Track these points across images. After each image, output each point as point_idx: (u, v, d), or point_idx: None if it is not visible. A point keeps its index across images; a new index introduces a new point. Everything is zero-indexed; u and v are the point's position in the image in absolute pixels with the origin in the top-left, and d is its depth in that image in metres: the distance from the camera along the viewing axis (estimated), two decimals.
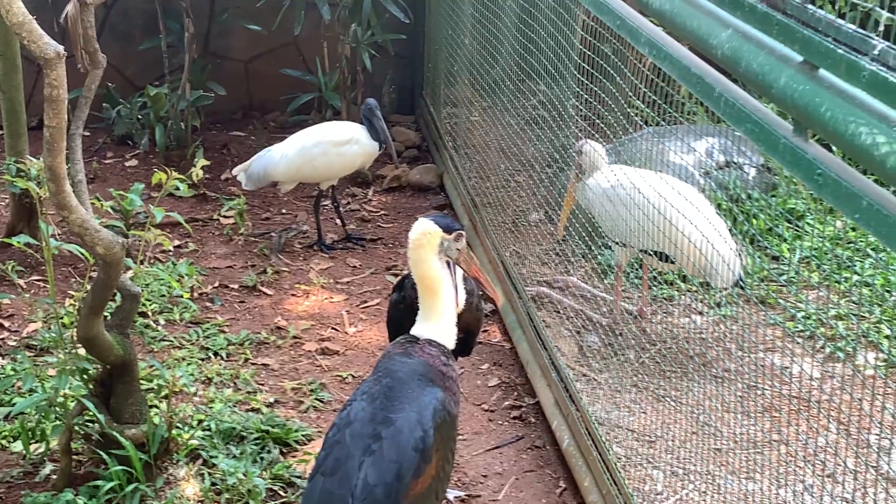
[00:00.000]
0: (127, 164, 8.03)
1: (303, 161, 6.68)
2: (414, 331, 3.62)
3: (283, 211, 7.52)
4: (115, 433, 4.26)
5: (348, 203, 7.67)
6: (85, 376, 4.30)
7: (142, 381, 4.58)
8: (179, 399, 5.09)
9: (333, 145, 6.67)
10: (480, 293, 4.18)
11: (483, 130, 7.03)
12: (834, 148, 2.67)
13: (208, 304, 6.23)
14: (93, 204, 4.36)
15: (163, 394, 4.79)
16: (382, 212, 7.61)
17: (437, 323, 3.61)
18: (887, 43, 2.36)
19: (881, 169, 2.30)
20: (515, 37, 6.00)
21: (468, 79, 7.24)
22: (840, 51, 2.50)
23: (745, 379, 5.09)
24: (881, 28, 2.38)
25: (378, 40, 8.29)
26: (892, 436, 4.12)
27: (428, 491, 3.36)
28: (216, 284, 6.45)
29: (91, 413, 4.27)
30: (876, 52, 2.38)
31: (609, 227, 5.48)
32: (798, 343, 5.34)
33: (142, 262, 4.50)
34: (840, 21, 2.53)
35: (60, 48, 3.40)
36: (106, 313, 4.32)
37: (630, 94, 4.37)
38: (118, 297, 4.38)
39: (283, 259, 6.80)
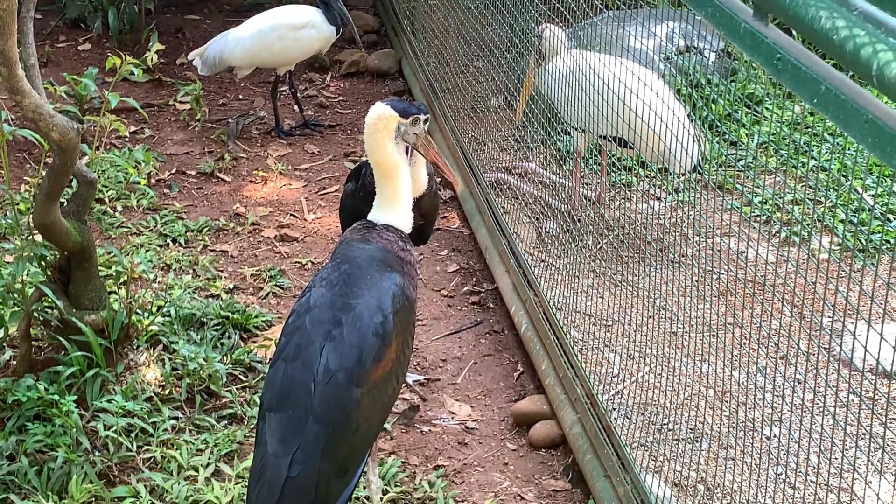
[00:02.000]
0: (80, 48, 7.88)
1: (259, 46, 6.58)
2: (371, 216, 3.60)
3: (241, 97, 7.44)
4: (74, 319, 4.25)
5: (306, 89, 7.59)
6: (43, 263, 4.28)
7: (101, 268, 4.56)
8: (139, 285, 5.08)
9: (290, 29, 6.57)
10: (439, 179, 4.17)
11: (441, 14, 6.94)
12: (794, 32, 2.65)
13: (166, 190, 6.19)
14: (46, 89, 4.29)
15: (122, 280, 4.78)
16: (340, 97, 7.54)
17: (395, 208, 3.59)
18: None
19: (839, 53, 2.30)
20: None
21: None
22: None
23: (702, 264, 5.14)
24: None
25: None
26: (844, 318, 4.18)
27: (388, 375, 3.39)
28: (173, 171, 6.40)
29: (50, 299, 4.25)
30: None
31: (568, 112, 5.46)
32: (754, 228, 5.38)
33: (97, 149, 4.43)
34: None
35: None
36: (63, 200, 4.28)
37: None
38: (74, 184, 4.34)
39: (240, 145, 6.75)
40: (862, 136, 2.24)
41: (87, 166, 4.31)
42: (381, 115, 3.56)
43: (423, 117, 3.63)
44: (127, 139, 6.64)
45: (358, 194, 4.20)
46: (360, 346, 3.30)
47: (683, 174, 5.40)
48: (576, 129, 5.53)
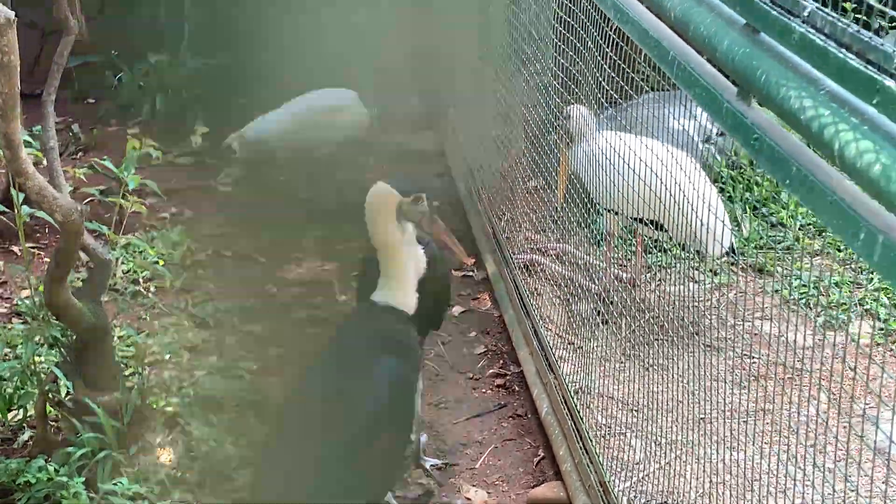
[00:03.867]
0: (129, 131, 7.99)
1: (296, 128, 6.65)
2: (374, 296, 3.57)
3: (281, 178, 7.49)
4: (87, 400, 4.26)
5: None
6: (58, 343, 4.31)
7: (123, 348, 4.59)
8: (162, 367, 5.09)
9: (326, 112, 6.63)
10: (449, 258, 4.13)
11: (477, 97, 6.96)
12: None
13: (201, 271, 6.22)
14: (66, 171, 4.35)
15: (147, 362, 4.81)
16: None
17: (397, 288, 3.55)
18: (816, 4, 2.29)
19: (807, 133, 2.24)
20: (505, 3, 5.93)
21: (464, 45, 7.16)
22: (775, 13, 2.44)
23: (737, 348, 5.04)
24: None
25: None
26: (878, 406, 4.05)
27: (382, 459, 3.34)
28: (210, 251, 6.44)
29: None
30: (806, 14, 2.31)
31: (598, 193, 5.42)
32: (793, 311, 5.27)
33: (121, 230, 4.48)
34: None
35: (11, 14, 3.36)
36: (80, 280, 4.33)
37: (636, 57, 4.27)
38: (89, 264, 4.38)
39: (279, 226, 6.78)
40: (827, 217, 2.18)
41: (104, 247, 4.35)
42: (380, 195, 3.54)
43: (425, 196, 3.60)
44: (167, 220, 6.71)
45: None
46: (352, 431, 3.26)
47: (718, 257, 5.33)
48: (607, 211, 5.48)
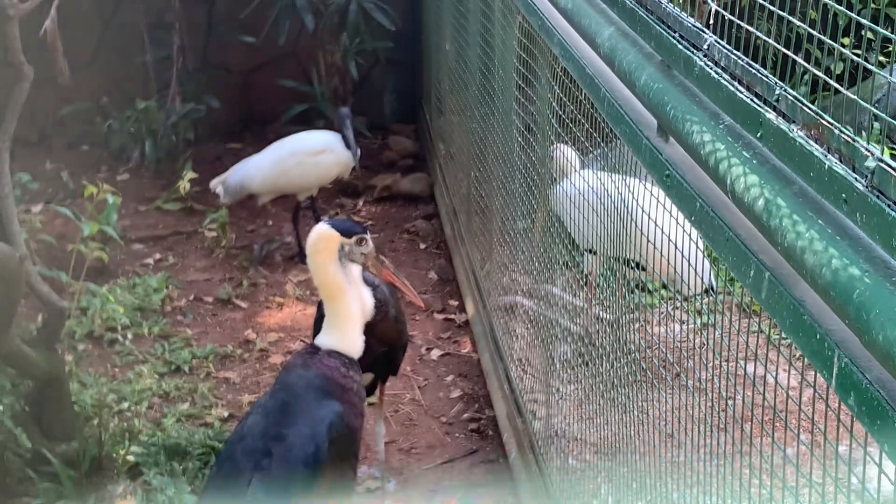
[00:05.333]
0: (119, 178, 8.01)
1: (278, 172, 6.62)
2: (317, 340, 3.51)
3: (269, 223, 7.47)
4: (44, 450, 4.22)
5: (336, 213, 7.59)
6: (14, 393, 4.27)
7: (92, 397, 4.54)
8: (133, 414, 5.05)
9: (308, 155, 6.60)
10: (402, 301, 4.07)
11: (461, 137, 6.91)
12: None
13: (180, 317, 6.19)
14: (20, 217, 4.32)
15: (115, 410, 4.76)
16: (370, 222, 7.52)
17: (340, 332, 3.49)
18: (715, 37, 2.23)
19: (706, 168, 2.19)
20: (478, 42, 5.88)
21: (448, 85, 7.13)
22: (680, 46, 2.39)
23: (718, 389, 4.93)
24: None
25: (368, 49, 8.23)
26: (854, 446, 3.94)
27: None
28: (191, 297, 6.41)
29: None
30: (706, 47, 2.26)
31: (577, 233, 5.35)
32: (779, 351, 5.15)
33: (77, 278, 4.45)
34: (683, 15, 2.42)
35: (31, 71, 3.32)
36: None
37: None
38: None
39: (262, 271, 6.74)
40: (724, 254, 2.12)
41: (59, 295, 4.31)
42: (321, 236, 3.50)
43: (369, 237, 3.55)
44: (150, 266, 6.69)
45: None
46: (288, 478, 3.19)
47: (694, 296, 5.23)
48: (587, 251, 5.41)
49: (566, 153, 5.44)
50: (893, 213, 1.52)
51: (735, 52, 2.12)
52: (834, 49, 1.81)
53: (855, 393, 1.64)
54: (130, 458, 4.56)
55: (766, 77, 1.96)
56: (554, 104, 4.12)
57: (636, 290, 5.74)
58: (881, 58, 6.78)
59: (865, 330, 1.58)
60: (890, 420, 1.56)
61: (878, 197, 1.57)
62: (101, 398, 4.41)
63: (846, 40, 2.06)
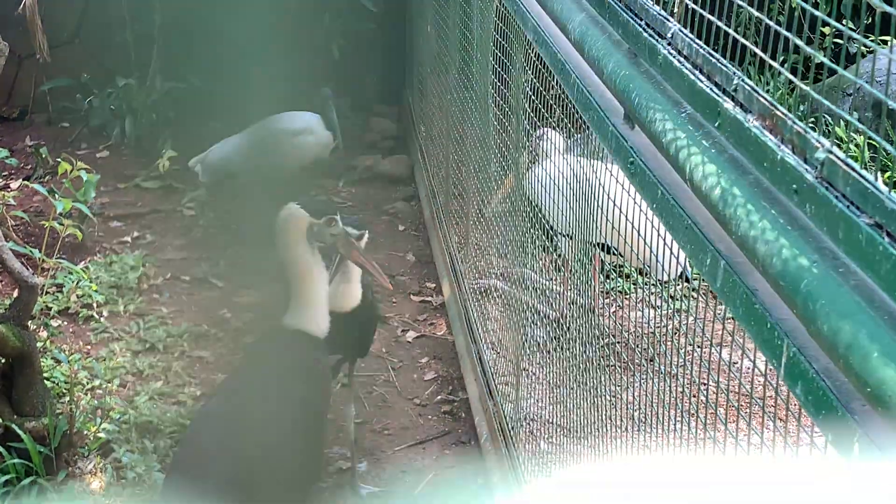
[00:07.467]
0: (98, 155, 7.98)
1: (257, 151, 6.61)
2: (284, 320, 3.52)
3: (243, 201, 7.44)
4: (13, 426, 4.22)
5: (316, 194, 7.57)
6: None
7: (64, 374, 4.54)
8: (105, 391, 5.05)
9: (288, 135, 6.59)
10: (376, 289, 4.08)
11: (441, 120, 6.91)
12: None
13: (156, 295, 6.18)
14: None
15: (87, 387, 4.76)
16: (350, 203, 7.51)
17: (307, 312, 3.50)
18: (679, 26, 2.24)
19: (667, 156, 2.19)
20: (458, 25, 5.88)
21: (430, 67, 7.12)
22: (646, 34, 2.39)
23: (690, 374, 4.95)
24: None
25: (351, 29, 8.22)
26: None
27: (288, 487, 3.29)
28: (168, 276, 6.40)
29: None
30: (669, 36, 2.27)
31: (553, 217, 5.35)
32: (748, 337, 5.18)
33: (51, 254, 4.44)
34: (649, 3, 2.42)
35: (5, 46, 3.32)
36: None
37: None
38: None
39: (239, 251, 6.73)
40: (683, 241, 2.13)
41: (32, 272, 4.31)
42: (290, 216, 3.50)
43: (339, 217, 3.56)
44: (128, 244, 6.68)
45: None
46: (253, 455, 3.20)
47: (669, 281, 5.25)
48: (562, 235, 5.42)
49: (551, 137, 5.44)
50: (840, 205, 1.54)
51: (697, 40, 2.12)
52: (813, 38, 1.82)
53: (802, 382, 1.66)
54: (101, 435, 4.56)
55: (726, 66, 1.97)
56: (528, 89, 4.11)
57: (612, 275, 5.78)
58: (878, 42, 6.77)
59: (812, 320, 1.59)
60: (834, 410, 1.57)
61: (826, 188, 1.59)
62: (73, 375, 4.40)
63: (827, 30, 2.06)
